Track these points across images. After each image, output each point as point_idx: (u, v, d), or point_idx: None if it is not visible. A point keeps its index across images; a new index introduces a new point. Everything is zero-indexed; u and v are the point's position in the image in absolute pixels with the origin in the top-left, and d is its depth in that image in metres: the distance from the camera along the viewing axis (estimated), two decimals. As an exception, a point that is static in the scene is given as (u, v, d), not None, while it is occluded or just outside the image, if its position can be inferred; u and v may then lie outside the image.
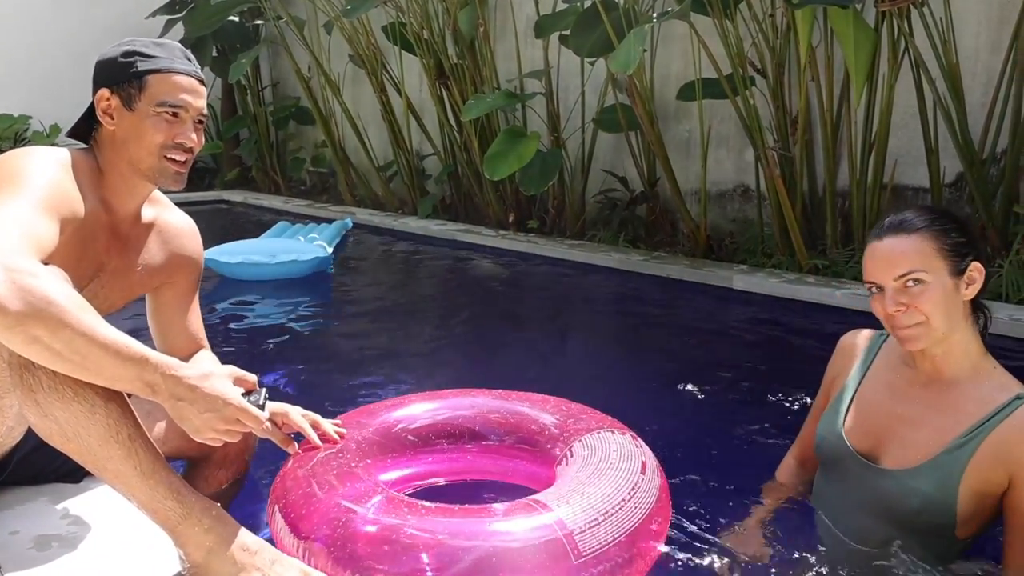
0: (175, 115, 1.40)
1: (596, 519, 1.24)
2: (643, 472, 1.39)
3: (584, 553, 1.20)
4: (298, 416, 1.49)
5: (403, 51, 6.11)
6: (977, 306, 1.35)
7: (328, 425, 1.53)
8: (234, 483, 1.70)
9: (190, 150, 1.43)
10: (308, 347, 3.31)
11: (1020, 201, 3.55)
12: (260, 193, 8.28)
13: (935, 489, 1.28)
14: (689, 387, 2.60)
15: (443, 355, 3.24)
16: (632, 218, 5.13)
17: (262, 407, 1.29)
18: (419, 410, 1.70)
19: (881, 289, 1.31)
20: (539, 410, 1.67)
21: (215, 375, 1.23)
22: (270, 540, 1.30)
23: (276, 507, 1.37)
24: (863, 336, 1.56)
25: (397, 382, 2.73)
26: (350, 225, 5.57)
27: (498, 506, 1.27)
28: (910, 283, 1.27)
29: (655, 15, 4.29)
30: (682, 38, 4.68)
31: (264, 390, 1.34)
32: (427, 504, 1.28)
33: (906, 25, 3.51)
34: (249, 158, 8.65)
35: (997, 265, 3.40)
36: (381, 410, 1.68)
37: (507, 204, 5.76)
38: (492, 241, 5.31)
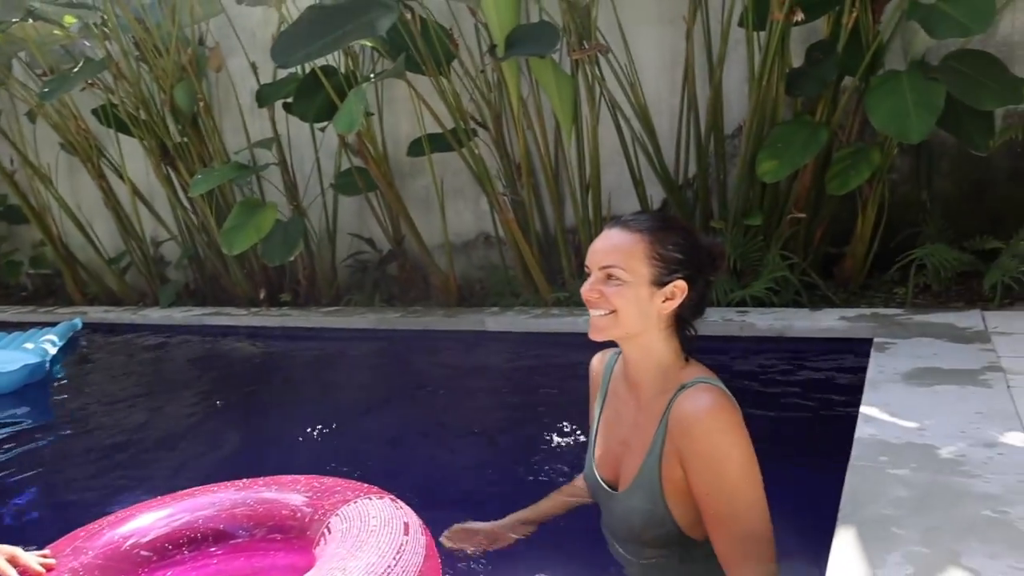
0: None
1: None
2: (406, 533, 1.34)
3: None
4: None
5: (120, 133, 5.72)
6: (682, 322, 1.37)
7: (31, 559, 1.32)
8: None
9: None
10: (23, 468, 2.88)
11: (715, 217, 4.03)
12: (-31, 305, 7.25)
13: (646, 503, 1.32)
14: (458, 432, 2.62)
15: (193, 450, 2.98)
16: (384, 278, 5.15)
17: None
18: (149, 520, 1.51)
19: (589, 274, 1.36)
20: (288, 492, 1.55)
21: None
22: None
23: None
24: (601, 360, 1.60)
25: (139, 489, 2.45)
26: (79, 326, 5.05)
27: None
28: (610, 276, 1.31)
29: (372, 75, 4.40)
30: (404, 99, 4.84)
31: None
32: None
33: (598, 71, 3.90)
34: (-49, 268, 7.57)
35: (705, 275, 3.81)
36: (103, 528, 1.48)
37: (256, 281, 5.54)
38: (244, 320, 5.05)
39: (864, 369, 2.38)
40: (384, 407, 3.33)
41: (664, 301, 1.32)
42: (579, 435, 2.39)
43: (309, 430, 2.93)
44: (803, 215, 3.63)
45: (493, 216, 4.61)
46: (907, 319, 3.03)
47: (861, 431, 1.77)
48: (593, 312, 1.35)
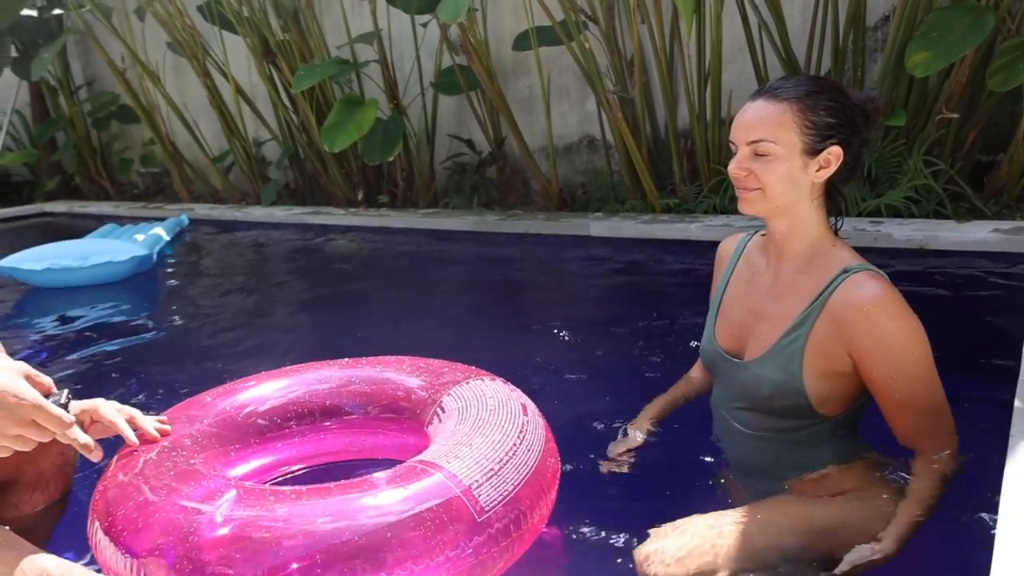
0: None
1: (492, 469, 1.12)
2: (526, 414, 1.29)
3: (487, 508, 1.07)
4: (111, 411, 1.24)
5: (224, 31, 5.68)
6: (833, 189, 1.31)
7: (147, 421, 1.29)
8: (53, 505, 1.40)
9: None
10: (144, 347, 2.92)
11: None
12: (87, 201, 7.57)
13: (780, 374, 1.29)
14: (564, 334, 2.51)
15: (298, 336, 3.00)
16: (483, 181, 5.00)
17: (64, 407, 1.08)
18: (264, 391, 1.49)
19: (736, 150, 1.29)
20: (395, 371, 1.51)
21: (1, 368, 0.99)
22: (94, 567, 1.08)
23: (98, 525, 1.12)
24: (732, 240, 1.56)
25: (246, 369, 2.43)
26: (186, 222, 5.13)
27: (379, 475, 1.10)
28: (759, 151, 1.25)
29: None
30: (511, -9, 4.57)
31: (66, 390, 1.12)
32: (294, 489, 1.09)
33: (725, -48, 3.53)
34: (70, 165, 7.89)
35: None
36: (218, 397, 1.46)
37: (355, 181, 5.50)
38: (343, 220, 5.05)
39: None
40: (485, 306, 3.23)
41: (818, 170, 1.26)
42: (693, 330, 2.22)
43: (407, 324, 2.90)
44: (955, 115, 3.23)
45: (600, 117, 4.35)
46: (1076, 233, 2.67)
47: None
48: (742, 186, 1.29)
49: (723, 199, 3.78)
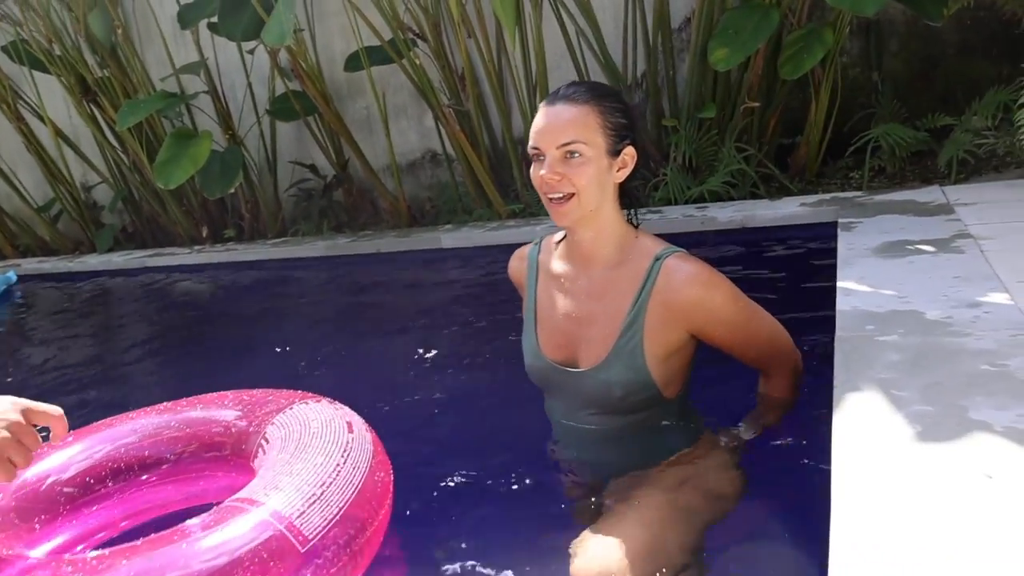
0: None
1: (315, 495, 1.09)
2: (351, 431, 1.28)
3: (312, 536, 1.05)
4: None
5: (34, 71, 5.32)
6: (627, 192, 1.36)
7: None
8: None
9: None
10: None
11: (666, 115, 3.94)
12: None
13: (628, 373, 1.32)
14: (420, 351, 2.53)
15: (144, 384, 2.87)
16: (331, 205, 4.97)
17: None
18: (67, 455, 1.37)
19: (541, 159, 1.28)
20: (216, 408, 1.45)
21: None
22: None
23: None
24: (521, 254, 1.56)
25: (90, 420, 2.32)
26: (14, 279, 4.79)
27: (192, 522, 1.06)
28: (570, 154, 1.25)
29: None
30: (336, 13, 4.57)
31: None
32: (96, 555, 1.02)
33: (538, -33, 3.71)
34: None
35: (662, 175, 3.74)
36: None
37: (197, 218, 5.30)
38: (188, 259, 4.85)
39: (833, 250, 2.35)
40: (338, 329, 3.22)
41: (619, 171, 1.31)
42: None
43: (260, 357, 2.82)
44: (757, 104, 3.55)
45: (439, 132, 4.44)
46: (868, 200, 3.01)
47: (842, 304, 1.73)
48: (553, 196, 1.28)
49: (564, 200, 3.95)
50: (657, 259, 1.32)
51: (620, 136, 1.29)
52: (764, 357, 1.41)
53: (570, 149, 1.25)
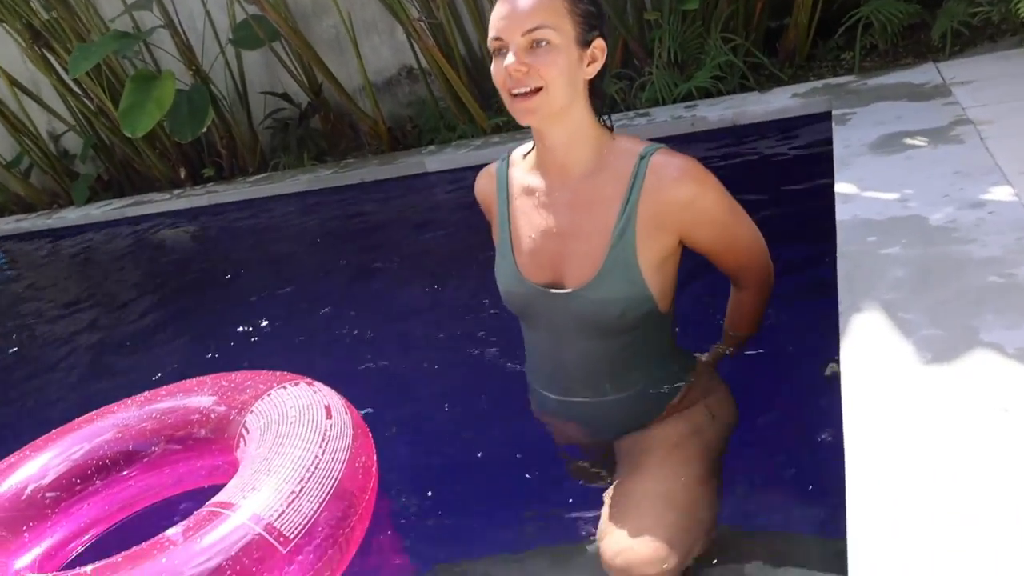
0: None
1: (294, 492, 1.08)
2: (328, 417, 1.25)
3: (292, 536, 1.04)
4: None
5: (-22, 20, 5.05)
6: (597, 91, 1.24)
7: None
8: None
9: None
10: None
11: (648, 8, 3.75)
12: None
13: (625, 286, 1.22)
14: (418, 283, 2.48)
15: (142, 353, 2.77)
16: (309, 133, 4.82)
17: None
18: (46, 459, 1.36)
19: (504, 51, 1.15)
20: (195, 396, 1.43)
21: None
22: None
23: None
24: (487, 173, 1.42)
25: (95, 396, 2.28)
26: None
27: (173, 531, 1.05)
28: (537, 42, 1.12)
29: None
30: (289, -73, 4.30)
31: None
32: (76, 572, 1.02)
33: None
34: None
35: (647, 73, 3.59)
36: None
37: (173, 160, 5.16)
38: (169, 204, 4.75)
39: (829, 144, 2.28)
40: (332, 272, 3.15)
41: (589, 65, 1.18)
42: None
43: (262, 310, 2.74)
44: (741, -11, 3.38)
45: (412, 46, 4.25)
46: (861, 85, 2.90)
47: (841, 213, 1.68)
48: (519, 89, 1.14)
49: (547, 109, 3.82)
50: (642, 158, 1.21)
51: (590, 25, 1.16)
52: (743, 262, 1.34)
53: (536, 37, 1.12)
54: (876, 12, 3.31)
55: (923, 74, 2.80)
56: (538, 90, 1.14)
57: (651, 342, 1.32)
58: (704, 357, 1.44)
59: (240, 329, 2.57)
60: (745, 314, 1.43)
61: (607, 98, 1.28)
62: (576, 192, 1.25)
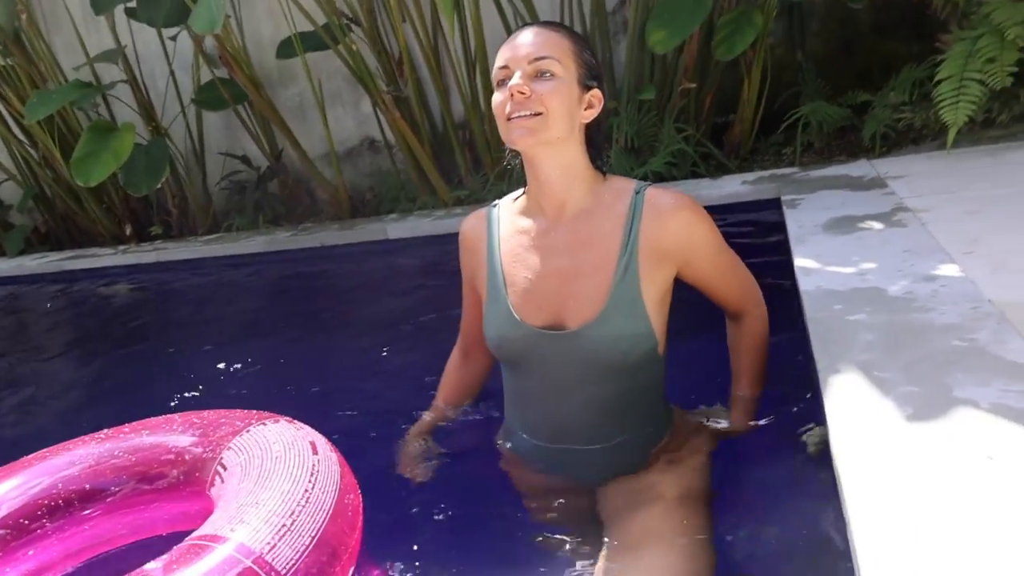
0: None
1: (285, 525, 1.04)
2: (315, 453, 1.21)
3: (284, 570, 0.99)
4: None
5: (-75, 64, 4.96)
6: (594, 142, 1.31)
7: None
8: None
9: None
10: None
11: (607, 98, 3.98)
12: None
13: (631, 322, 1.25)
14: (376, 352, 2.48)
15: (70, 407, 2.66)
16: (266, 197, 4.84)
17: None
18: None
19: (508, 81, 1.22)
20: (164, 434, 1.35)
21: None
22: None
23: None
24: (477, 219, 1.45)
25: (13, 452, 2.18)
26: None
27: (152, 566, 0.98)
28: (542, 72, 1.21)
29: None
30: (262, -2, 4.44)
31: None
32: None
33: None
34: None
35: (607, 157, 3.79)
36: None
37: (118, 216, 5.08)
38: (113, 260, 4.65)
39: (780, 226, 2.46)
40: (287, 330, 3.10)
41: (586, 109, 1.26)
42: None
43: (203, 367, 2.64)
44: (693, 85, 3.65)
45: (377, 118, 4.38)
46: (804, 176, 3.15)
47: (805, 284, 1.82)
48: (519, 112, 1.21)
49: (510, 185, 3.98)
50: (637, 193, 1.28)
51: (591, 73, 1.26)
52: (738, 290, 1.42)
53: (542, 67, 1.20)
54: (813, 112, 3.63)
55: (859, 168, 3.07)
56: (538, 115, 1.20)
57: (647, 389, 1.37)
58: (718, 425, 1.47)
59: (185, 393, 2.49)
60: (748, 348, 1.45)
61: (604, 150, 1.36)
62: (573, 231, 1.29)
